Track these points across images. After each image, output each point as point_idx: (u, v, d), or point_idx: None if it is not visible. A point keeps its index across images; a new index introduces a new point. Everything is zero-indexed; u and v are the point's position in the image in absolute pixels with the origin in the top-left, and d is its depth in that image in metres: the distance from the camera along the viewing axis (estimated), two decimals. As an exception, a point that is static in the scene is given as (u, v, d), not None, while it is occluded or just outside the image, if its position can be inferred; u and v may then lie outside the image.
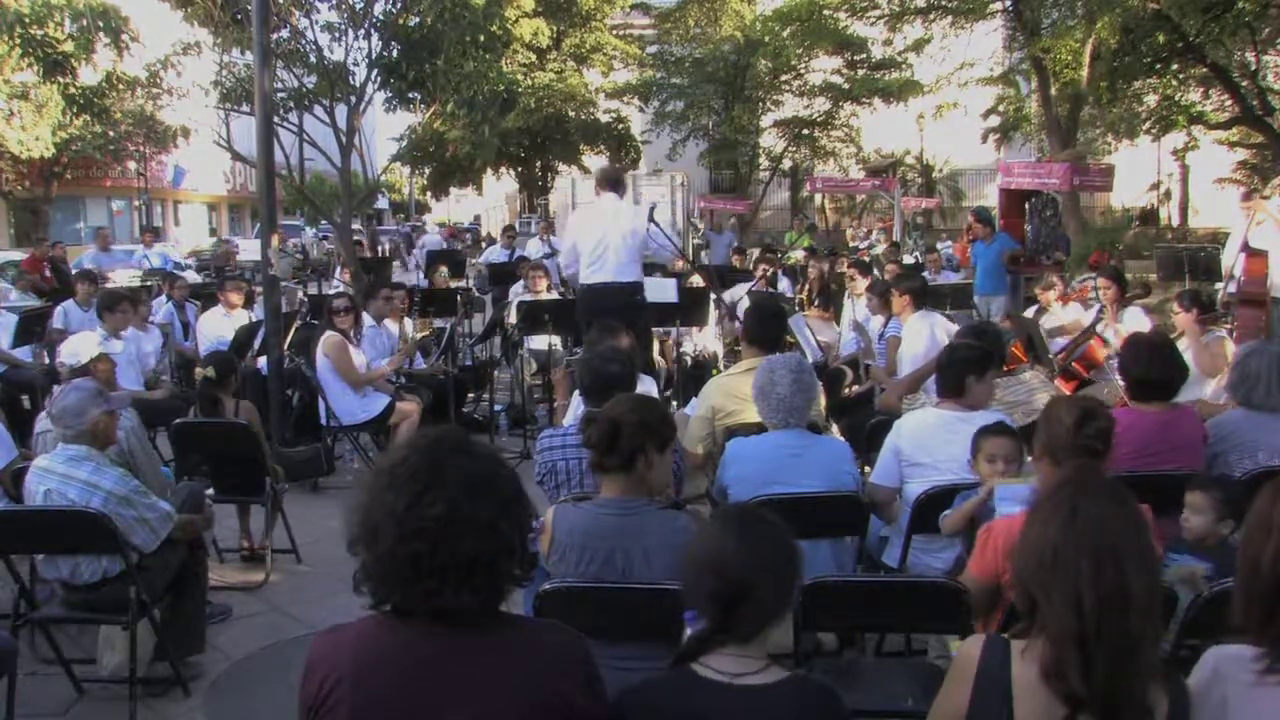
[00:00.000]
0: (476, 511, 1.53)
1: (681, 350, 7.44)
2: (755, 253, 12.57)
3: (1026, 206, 12.30)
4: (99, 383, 3.81)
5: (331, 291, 9.57)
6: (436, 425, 3.96)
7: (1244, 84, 16.10)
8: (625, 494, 2.58)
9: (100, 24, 20.54)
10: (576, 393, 4.16)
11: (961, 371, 3.54)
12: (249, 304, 8.00)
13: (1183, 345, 4.91)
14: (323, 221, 22.65)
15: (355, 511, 1.58)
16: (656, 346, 7.48)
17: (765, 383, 3.42)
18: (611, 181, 6.53)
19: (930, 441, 3.43)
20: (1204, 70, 15.83)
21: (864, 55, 25.16)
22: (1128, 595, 1.58)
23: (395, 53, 12.70)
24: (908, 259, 12.93)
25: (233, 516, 5.12)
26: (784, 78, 26.19)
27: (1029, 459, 3.02)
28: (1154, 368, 3.61)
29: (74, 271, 11.97)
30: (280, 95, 11.54)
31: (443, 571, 1.50)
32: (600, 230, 6.21)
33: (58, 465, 3.41)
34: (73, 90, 21.06)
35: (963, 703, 1.70)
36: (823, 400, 4.20)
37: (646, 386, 4.45)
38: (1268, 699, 1.63)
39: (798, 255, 13.37)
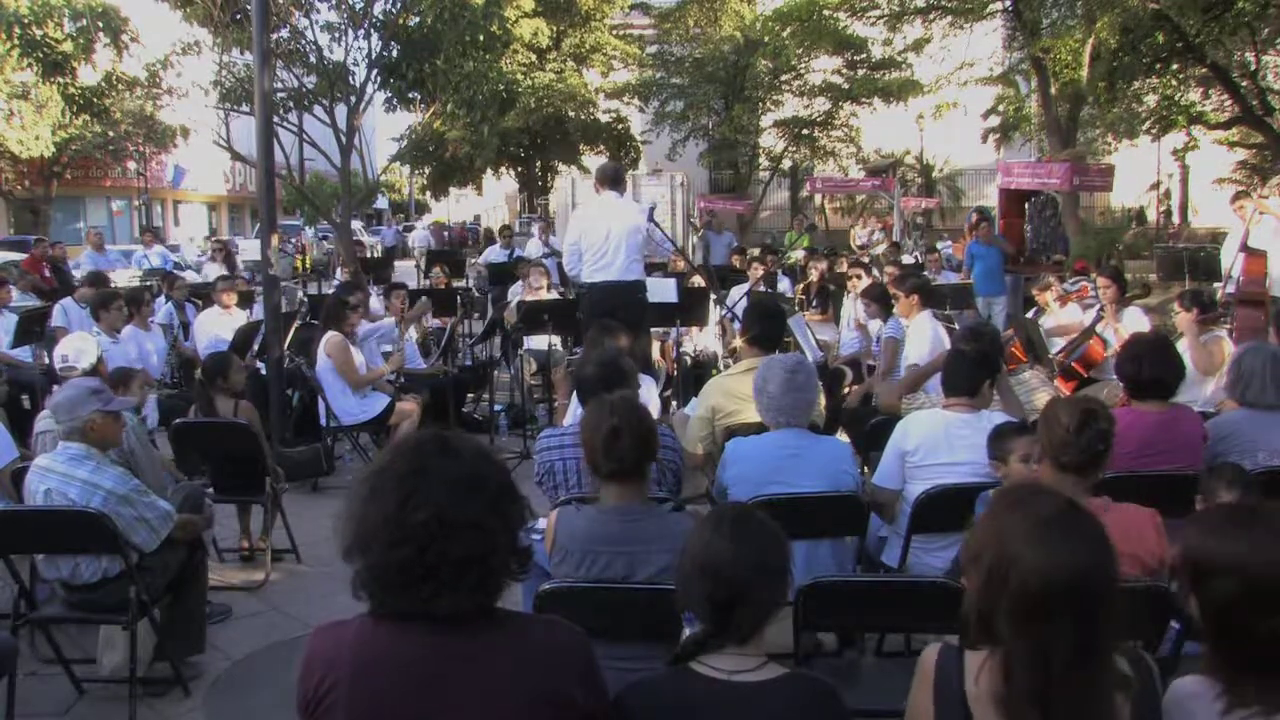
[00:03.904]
0: (462, 513, 1.53)
1: (681, 350, 7.43)
2: (756, 252, 12.55)
3: (1026, 207, 12.30)
4: (104, 383, 3.81)
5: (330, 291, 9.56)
6: (436, 425, 3.96)
7: (1244, 84, 16.08)
8: (628, 500, 2.57)
9: (100, 24, 20.57)
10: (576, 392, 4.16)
11: (981, 373, 3.55)
12: (248, 304, 8.00)
13: (1182, 345, 4.92)
14: (321, 221, 22.67)
15: (345, 521, 1.58)
16: (656, 347, 7.47)
17: (760, 381, 3.44)
18: (611, 179, 6.42)
19: (942, 444, 3.42)
20: (1204, 70, 15.81)
21: (864, 55, 25.07)
22: (1091, 651, 1.52)
23: (395, 53, 12.72)
24: (907, 259, 12.92)
25: (233, 516, 5.12)
26: (784, 78, 26.11)
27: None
28: (1149, 367, 3.61)
29: (75, 272, 11.96)
30: (280, 95, 11.55)
31: (435, 575, 1.50)
32: (604, 229, 6.14)
33: (58, 464, 3.41)
34: (72, 90, 21.08)
35: (928, 707, 1.68)
36: (823, 401, 4.20)
37: (646, 386, 4.45)
38: None
39: (798, 255, 13.36)
